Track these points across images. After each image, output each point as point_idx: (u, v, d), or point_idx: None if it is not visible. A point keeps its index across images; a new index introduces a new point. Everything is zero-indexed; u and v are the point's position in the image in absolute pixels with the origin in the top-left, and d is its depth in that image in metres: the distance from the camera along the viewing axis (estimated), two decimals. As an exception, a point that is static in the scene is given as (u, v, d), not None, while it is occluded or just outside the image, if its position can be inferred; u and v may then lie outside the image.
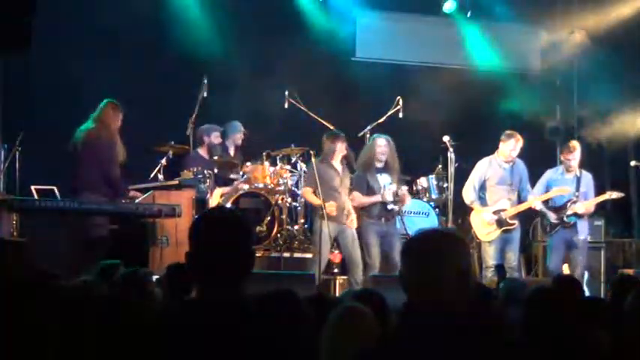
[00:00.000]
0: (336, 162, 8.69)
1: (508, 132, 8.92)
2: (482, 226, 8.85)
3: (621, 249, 10.74)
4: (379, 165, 8.81)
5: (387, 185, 8.74)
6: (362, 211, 8.85)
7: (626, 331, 3.57)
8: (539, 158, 10.08)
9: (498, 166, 8.93)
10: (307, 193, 8.69)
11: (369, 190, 8.75)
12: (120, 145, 8.04)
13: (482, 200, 8.93)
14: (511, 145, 8.82)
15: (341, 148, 8.68)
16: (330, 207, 8.39)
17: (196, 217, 5.28)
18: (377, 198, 8.68)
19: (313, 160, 8.49)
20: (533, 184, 9.13)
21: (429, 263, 2.41)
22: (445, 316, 2.35)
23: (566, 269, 8.97)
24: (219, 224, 2.50)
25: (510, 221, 8.81)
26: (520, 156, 9.01)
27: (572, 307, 3.83)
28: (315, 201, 8.48)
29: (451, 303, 2.37)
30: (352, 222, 8.66)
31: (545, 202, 8.98)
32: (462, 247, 2.47)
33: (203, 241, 2.47)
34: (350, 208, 8.76)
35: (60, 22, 9.61)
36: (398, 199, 8.73)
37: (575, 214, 8.85)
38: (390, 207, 8.71)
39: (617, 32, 10.92)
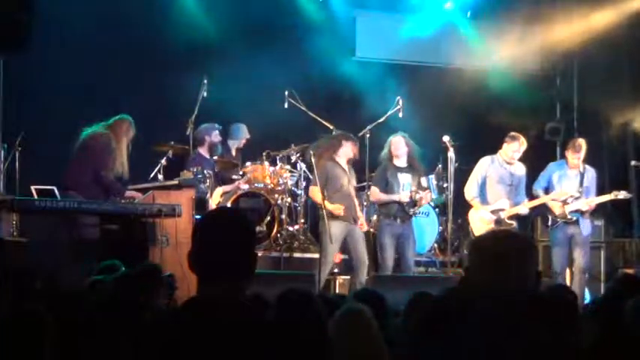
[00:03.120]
0: (342, 160, 8.67)
1: (513, 134, 8.92)
2: (480, 224, 8.85)
3: (621, 249, 10.72)
4: (399, 163, 8.82)
5: (406, 185, 8.75)
6: (380, 209, 8.88)
7: (628, 334, 3.56)
8: (539, 158, 10.07)
9: (500, 165, 8.94)
10: (314, 192, 8.63)
11: (388, 188, 8.76)
12: (121, 159, 7.99)
13: (483, 198, 8.94)
14: (515, 147, 8.83)
15: (346, 151, 8.66)
16: (338, 209, 8.38)
17: (199, 216, 5.28)
18: (394, 197, 8.69)
19: (313, 159, 8.49)
20: (530, 182, 9.14)
21: (514, 265, 2.38)
22: (517, 316, 2.35)
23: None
24: (222, 224, 2.49)
25: (508, 221, 8.81)
26: (520, 155, 9.02)
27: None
28: (325, 204, 8.41)
29: (523, 303, 2.36)
30: (362, 226, 8.66)
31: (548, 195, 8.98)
32: (536, 251, 2.47)
33: (205, 241, 2.47)
34: (358, 211, 8.75)
35: (60, 22, 9.60)
36: (414, 201, 8.74)
37: (578, 211, 8.85)
38: (407, 208, 8.70)
39: (617, 31, 10.91)
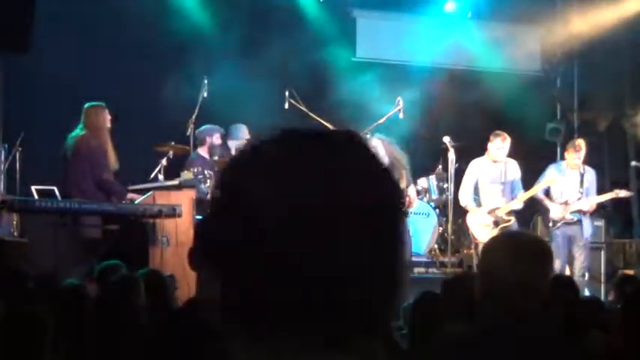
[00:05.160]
0: None
1: (496, 132, 8.94)
2: (480, 227, 8.84)
3: (621, 249, 10.72)
4: None
5: None
6: None
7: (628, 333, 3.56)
8: (539, 158, 10.07)
9: (489, 165, 8.95)
10: None
11: None
12: (111, 150, 7.97)
13: (477, 201, 8.95)
14: (498, 144, 8.83)
15: None
16: None
17: (200, 217, 5.28)
18: None
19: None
20: (531, 183, 9.14)
21: (540, 265, 2.37)
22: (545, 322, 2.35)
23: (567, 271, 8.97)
24: None
25: (506, 218, 8.81)
26: (520, 156, 9.02)
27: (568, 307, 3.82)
28: None
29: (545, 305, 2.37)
30: None
31: (548, 196, 8.99)
32: (551, 256, 2.47)
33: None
34: None
35: (60, 22, 9.60)
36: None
37: (579, 211, 8.86)
38: None
39: (617, 32, 10.91)
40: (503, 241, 2.47)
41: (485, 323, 2.39)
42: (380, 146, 8.74)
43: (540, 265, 2.37)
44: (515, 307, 2.33)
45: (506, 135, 8.85)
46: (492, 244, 2.49)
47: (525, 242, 2.43)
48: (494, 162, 8.91)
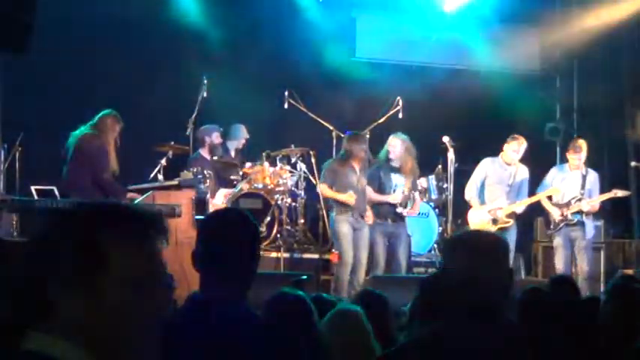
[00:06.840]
0: (354, 161, 8.62)
1: (514, 135, 9.02)
2: (479, 224, 8.87)
3: (621, 249, 10.72)
4: (394, 164, 8.78)
5: (398, 185, 8.73)
6: (372, 209, 8.86)
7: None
8: (539, 158, 10.07)
9: (499, 166, 9.00)
10: (325, 190, 8.59)
11: (380, 188, 8.73)
12: (113, 155, 7.99)
13: (481, 198, 8.99)
14: (514, 147, 8.88)
15: (359, 150, 8.57)
16: (350, 197, 8.32)
17: (201, 216, 5.28)
18: (386, 198, 8.67)
19: (317, 162, 8.48)
20: (531, 183, 9.16)
21: (497, 261, 2.44)
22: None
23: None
24: (228, 224, 2.50)
25: (505, 219, 8.84)
26: (521, 156, 9.04)
27: (566, 307, 3.83)
28: (336, 195, 8.41)
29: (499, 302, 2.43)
30: (368, 218, 8.61)
31: (550, 198, 9.01)
32: (508, 250, 2.56)
33: (211, 240, 2.48)
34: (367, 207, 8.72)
35: (59, 22, 9.60)
36: (406, 204, 8.70)
37: (580, 212, 8.87)
38: (399, 210, 8.69)
39: (616, 32, 10.92)
40: (462, 239, 2.54)
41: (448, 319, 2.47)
42: (399, 143, 8.77)
43: (497, 261, 2.43)
44: (474, 301, 2.37)
45: (524, 140, 8.93)
46: (452, 242, 2.57)
47: (482, 240, 2.49)
48: (507, 164, 8.94)
